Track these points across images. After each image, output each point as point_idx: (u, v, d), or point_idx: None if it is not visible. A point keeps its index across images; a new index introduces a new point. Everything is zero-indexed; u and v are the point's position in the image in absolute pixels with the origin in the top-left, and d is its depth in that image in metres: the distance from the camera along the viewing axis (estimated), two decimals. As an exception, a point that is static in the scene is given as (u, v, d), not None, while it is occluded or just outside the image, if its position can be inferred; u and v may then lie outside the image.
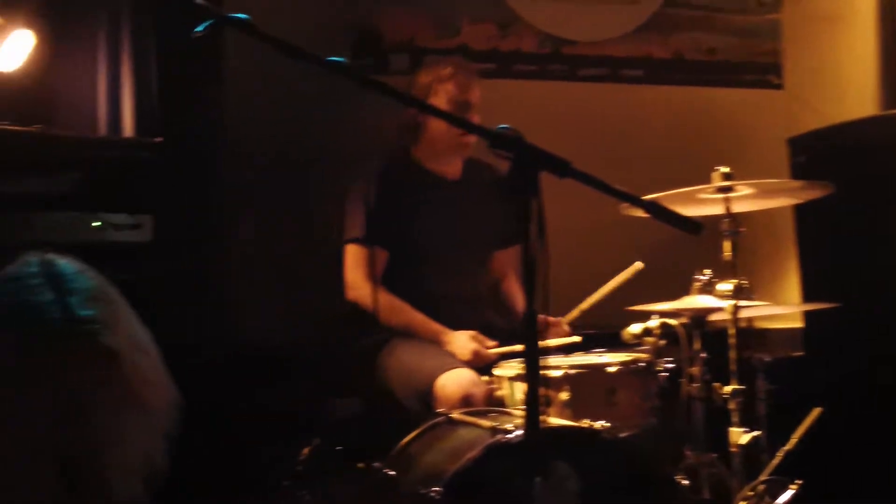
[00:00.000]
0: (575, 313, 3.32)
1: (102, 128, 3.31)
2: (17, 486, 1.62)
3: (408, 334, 3.41)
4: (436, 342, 3.36)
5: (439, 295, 3.51)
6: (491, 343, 3.31)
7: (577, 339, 3.23)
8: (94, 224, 2.82)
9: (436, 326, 3.39)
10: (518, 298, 3.74)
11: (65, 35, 3.22)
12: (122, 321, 1.71)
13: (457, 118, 3.12)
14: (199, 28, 1.72)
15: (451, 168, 3.65)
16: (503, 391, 3.07)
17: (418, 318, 3.41)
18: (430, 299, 3.47)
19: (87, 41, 3.33)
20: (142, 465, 1.73)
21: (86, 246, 2.75)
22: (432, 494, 2.45)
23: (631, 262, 3.34)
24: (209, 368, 3.28)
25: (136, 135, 3.27)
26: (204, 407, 3.13)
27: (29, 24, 2.97)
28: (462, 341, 3.30)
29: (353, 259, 3.49)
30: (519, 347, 3.16)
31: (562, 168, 1.72)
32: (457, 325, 3.42)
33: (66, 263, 1.68)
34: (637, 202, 1.84)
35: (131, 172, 2.92)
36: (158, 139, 3.06)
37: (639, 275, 3.28)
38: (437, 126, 3.49)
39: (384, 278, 3.45)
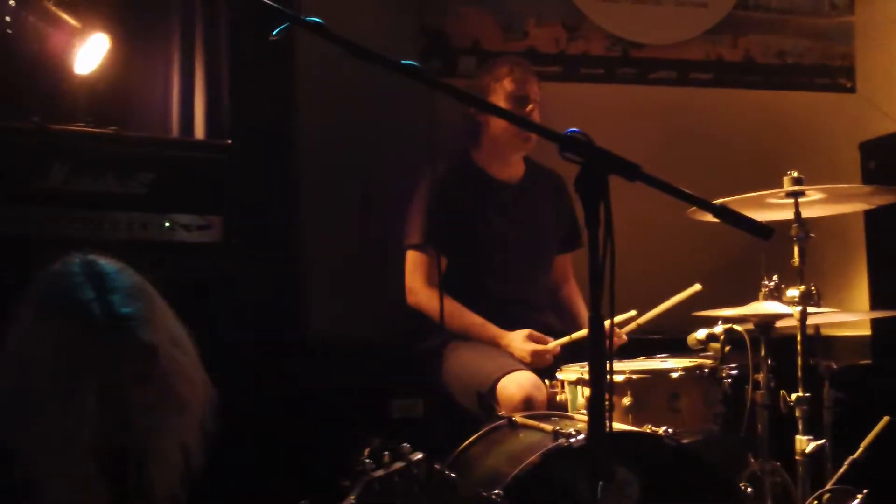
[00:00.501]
0: (632, 326, 3.30)
1: (174, 129, 3.37)
2: (63, 483, 1.66)
3: (467, 338, 3.43)
4: (494, 346, 3.37)
5: (499, 299, 3.52)
6: (548, 339, 3.31)
7: (632, 312, 3.23)
8: (164, 224, 2.87)
9: (494, 330, 3.40)
10: (577, 302, 3.75)
11: (138, 39, 3.29)
12: (161, 317, 1.79)
13: (523, 119, 3.11)
14: (275, 31, 1.76)
15: (513, 171, 3.65)
16: (565, 395, 3.07)
17: (477, 322, 3.42)
18: (491, 303, 3.48)
19: (160, 45, 3.40)
20: (180, 460, 1.78)
21: (156, 245, 2.83)
22: (493, 497, 2.46)
23: (697, 267, 3.31)
24: (274, 365, 3.33)
25: (207, 136, 3.33)
26: (267, 402, 3.20)
27: (104, 28, 3.03)
28: (519, 343, 3.31)
29: (413, 265, 3.52)
30: (578, 334, 3.18)
31: (631, 172, 1.72)
32: (516, 328, 3.43)
33: (106, 263, 1.78)
34: (706, 206, 1.83)
35: (202, 174, 2.96)
36: (228, 141, 3.11)
37: (705, 280, 3.26)
38: (497, 124, 3.50)
39: (445, 282, 3.46)
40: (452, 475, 2.57)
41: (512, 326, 3.41)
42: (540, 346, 3.28)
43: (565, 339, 3.28)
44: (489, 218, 3.55)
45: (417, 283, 3.50)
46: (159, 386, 1.74)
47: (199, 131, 3.36)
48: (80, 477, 1.68)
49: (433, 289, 3.45)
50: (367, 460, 2.05)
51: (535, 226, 3.64)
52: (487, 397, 3.19)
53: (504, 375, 3.16)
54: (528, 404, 3.06)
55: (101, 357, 1.67)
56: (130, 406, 1.69)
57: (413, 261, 3.52)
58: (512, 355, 3.31)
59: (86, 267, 1.76)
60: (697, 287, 3.27)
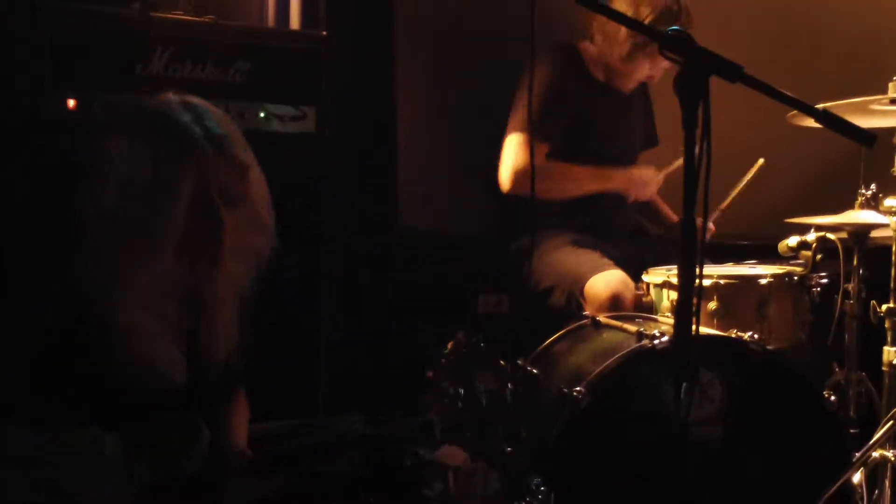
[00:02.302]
0: (715, 213, 3.44)
1: (270, 19, 3.39)
2: (145, 275, 1.89)
3: (564, 224, 3.43)
4: (616, 181, 3.48)
5: (595, 194, 3.51)
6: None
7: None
8: (260, 114, 2.92)
9: (615, 170, 3.50)
10: (659, 200, 3.77)
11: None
12: (248, 147, 2.02)
13: (627, 19, 3.04)
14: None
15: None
16: (650, 297, 3.08)
17: (588, 171, 3.44)
18: (587, 197, 3.48)
19: (257, -68, 3.40)
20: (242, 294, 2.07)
21: (251, 134, 2.86)
22: (575, 394, 2.49)
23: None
24: (364, 257, 3.39)
25: (303, 27, 3.34)
26: (353, 292, 3.26)
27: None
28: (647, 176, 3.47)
29: (516, 145, 3.41)
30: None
31: (733, 72, 1.68)
32: (608, 228, 3.47)
33: (199, 100, 2.03)
34: (808, 110, 1.79)
35: (297, 64, 2.99)
36: (323, 32, 3.12)
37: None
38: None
39: None
40: (535, 371, 2.62)
41: (606, 224, 3.45)
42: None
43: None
44: (584, 112, 3.50)
45: (521, 160, 3.37)
46: (246, 209, 1.98)
47: (295, 22, 3.37)
48: (160, 274, 1.89)
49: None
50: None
51: (625, 122, 3.64)
52: (578, 295, 3.20)
53: (594, 275, 3.17)
54: (614, 302, 3.08)
55: (199, 167, 1.89)
56: (221, 220, 1.92)
57: (517, 142, 3.41)
58: (604, 254, 3.30)
59: (183, 100, 1.98)
60: (761, 161, 3.35)
